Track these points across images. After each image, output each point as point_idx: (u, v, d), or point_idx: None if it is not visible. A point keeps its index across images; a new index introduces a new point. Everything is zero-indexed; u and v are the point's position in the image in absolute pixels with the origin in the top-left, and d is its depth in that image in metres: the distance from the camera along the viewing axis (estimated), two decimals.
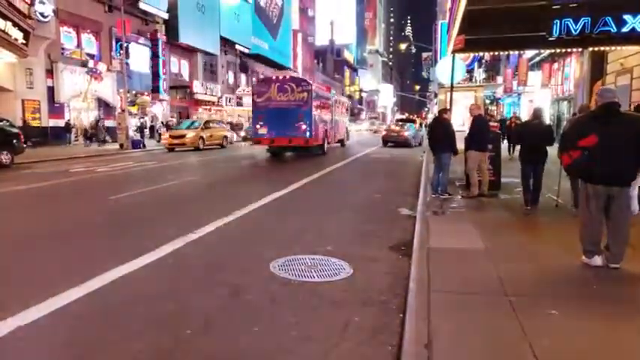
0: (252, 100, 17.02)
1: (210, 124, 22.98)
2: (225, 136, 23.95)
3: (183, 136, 20.49)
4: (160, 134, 26.26)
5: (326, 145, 18.48)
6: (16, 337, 2.94)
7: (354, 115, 65.71)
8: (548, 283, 3.72)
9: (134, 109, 27.24)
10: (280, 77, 17.48)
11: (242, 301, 3.56)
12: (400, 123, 27.57)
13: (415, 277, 3.83)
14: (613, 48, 11.28)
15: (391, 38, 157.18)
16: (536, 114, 7.17)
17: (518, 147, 8.52)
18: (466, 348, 2.71)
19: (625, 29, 7.47)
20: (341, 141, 22.87)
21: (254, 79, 45.93)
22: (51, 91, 21.23)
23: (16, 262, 4.59)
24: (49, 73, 21.11)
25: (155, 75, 27.86)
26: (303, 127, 16.00)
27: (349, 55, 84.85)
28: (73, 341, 2.95)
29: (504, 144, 13.78)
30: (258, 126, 16.58)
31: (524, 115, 23.66)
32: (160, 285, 3.90)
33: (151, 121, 28.66)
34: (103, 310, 3.39)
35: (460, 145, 8.12)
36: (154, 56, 27.68)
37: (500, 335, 2.83)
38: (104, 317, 3.27)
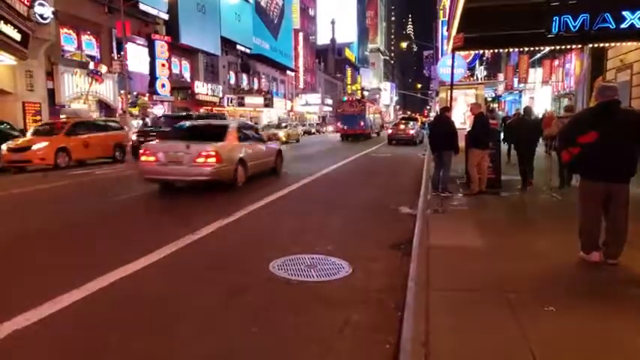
0: (336, 111, 35.26)
1: (82, 128, 14.78)
2: (120, 145, 16.14)
3: (26, 149, 12.84)
4: None
5: (371, 134, 32.35)
6: (13, 340, 2.95)
7: None
8: (547, 279, 3.72)
9: (135, 111, 27.26)
10: (350, 99, 35.19)
11: (241, 301, 3.57)
12: (404, 122, 27.80)
13: (414, 275, 3.83)
14: (613, 44, 11.23)
15: (392, 37, 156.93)
16: (527, 112, 9.17)
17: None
18: (464, 345, 2.71)
19: (624, 25, 7.46)
20: (377, 132, 35.46)
21: (255, 79, 46.08)
22: (51, 93, 21.26)
23: (15, 264, 4.61)
24: (50, 75, 21.14)
25: (152, 75, 27.80)
26: (362, 123, 29.94)
27: (351, 54, 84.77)
28: (70, 343, 2.97)
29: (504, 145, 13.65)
30: (339, 124, 32.49)
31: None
32: (159, 286, 3.91)
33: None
34: (102, 311, 3.41)
35: (461, 143, 8.11)
36: (151, 57, 27.64)
37: (498, 332, 2.83)
38: (102, 319, 3.29)
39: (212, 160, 8.11)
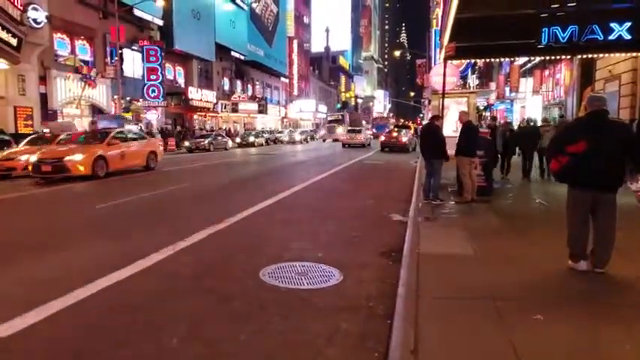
0: (373, 122, 60.43)
1: None
2: None
3: None
4: None
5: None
6: None
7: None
8: (535, 288, 3.74)
9: (128, 116, 27.12)
10: (381, 116, 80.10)
11: (230, 308, 3.55)
12: (397, 129, 27.94)
13: (404, 282, 3.84)
14: (601, 55, 11.43)
15: (386, 45, 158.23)
16: (529, 121, 12.98)
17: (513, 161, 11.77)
18: (452, 353, 2.72)
19: (612, 37, 7.61)
20: None
21: (249, 85, 46.14)
22: (44, 97, 21.12)
23: (3, 270, 4.55)
24: (42, 79, 21.01)
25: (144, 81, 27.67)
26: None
27: (344, 62, 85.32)
28: (57, 351, 2.93)
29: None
30: (374, 130, 45.56)
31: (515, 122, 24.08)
32: (148, 293, 3.88)
33: (146, 128, 28.59)
34: (90, 318, 3.37)
35: (451, 150, 8.17)
36: (143, 62, 27.52)
37: (486, 340, 2.84)
38: (90, 326, 3.25)
39: (362, 138, 30.24)
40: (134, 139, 14.47)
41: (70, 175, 11.51)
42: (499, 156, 10.74)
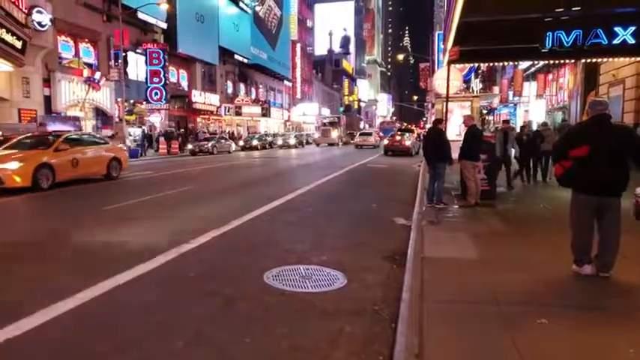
0: (380, 126, 64.02)
1: None
2: None
3: None
4: (158, 144, 26.33)
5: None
6: (4, 350, 2.92)
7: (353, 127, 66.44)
8: (540, 292, 3.73)
9: (132, 118, 27.24)
10: (387, 121, 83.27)
11: (234, 311, 3.55)
12: (400, 133, 28.00)
13: (408, 286, 3.84)
14: (605, 59, 11.43)
15: (389, 49, 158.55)
16: (529, 126, 12.82)
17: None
18: (456, 357, 2.71)
19: (616, 41, 7.60)
20: None
21: (252, 88, 46.27)
22: (48, 100, 21.24)
23: (9, 273, 4.56)
24: (46, 82, 21.13)
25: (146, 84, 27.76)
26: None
27: (348, 65, 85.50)
28: (61, 353, 2.94)
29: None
30: (380, 133, 45.76)
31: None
32: (152, 295, 3.89)
33: (149, 131, 28.71)
34: (94, 320, 3.38)
35: (455, 154, 8.16)
36: (146, 65, 27.61)
37: (491, 345, 2.83)
38: (94, 328, 3.26)
39: (373, 140, 34.79)
40: (92, 144, 12.40)
41: (5, 188, 9.41)
42: (516, 161, 10.48)
